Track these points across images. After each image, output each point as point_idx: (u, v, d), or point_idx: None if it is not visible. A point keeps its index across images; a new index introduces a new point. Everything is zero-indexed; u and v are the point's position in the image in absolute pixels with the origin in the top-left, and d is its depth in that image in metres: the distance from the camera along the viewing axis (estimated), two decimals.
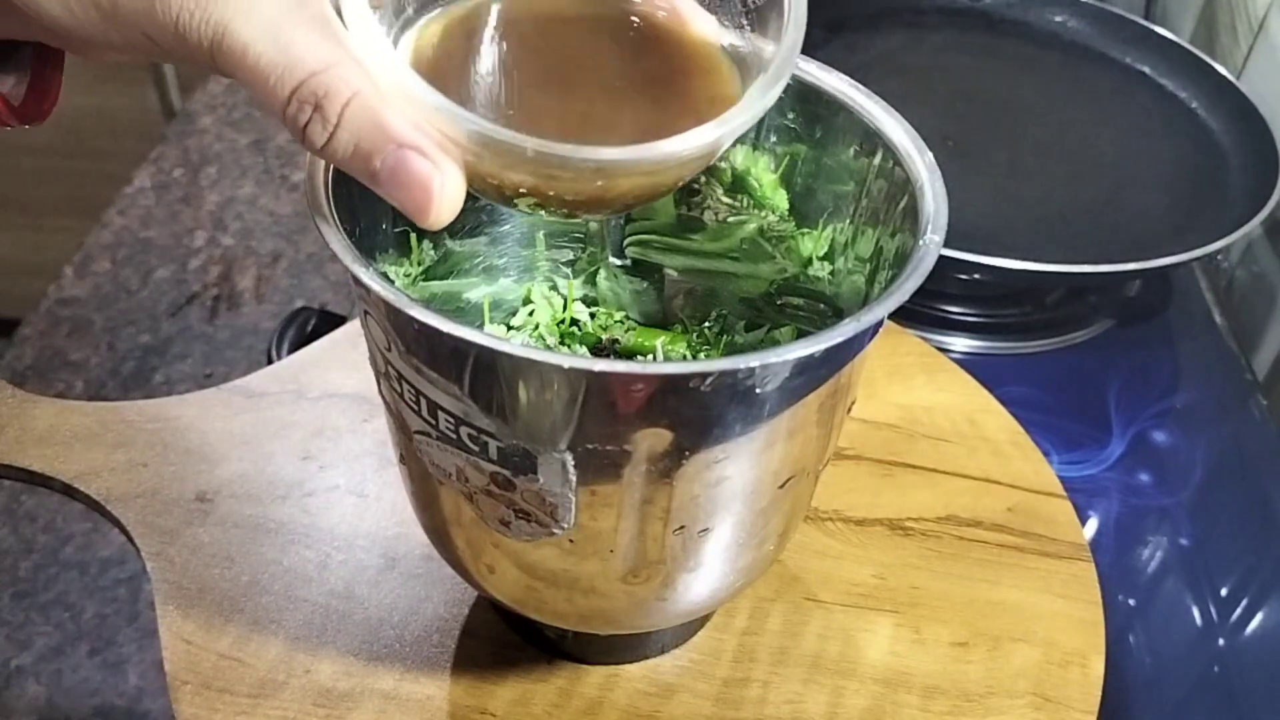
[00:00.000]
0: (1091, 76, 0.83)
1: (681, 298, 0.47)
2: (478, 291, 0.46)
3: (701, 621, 0.46)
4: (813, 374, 0.33)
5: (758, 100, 0.32)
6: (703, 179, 0.44)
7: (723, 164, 0.43)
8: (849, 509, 0.50)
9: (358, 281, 0.32)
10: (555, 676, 0.44)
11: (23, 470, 0.49)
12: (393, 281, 0.32)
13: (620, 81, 0.35)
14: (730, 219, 0.44)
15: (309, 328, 0.63)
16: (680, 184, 0.35)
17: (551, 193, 0.31)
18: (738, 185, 0.43)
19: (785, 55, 0.32)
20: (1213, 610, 0.57)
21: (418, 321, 0.30)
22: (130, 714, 0.59)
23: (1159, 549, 0.60)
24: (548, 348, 0.46)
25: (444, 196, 0.30)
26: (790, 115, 0.41)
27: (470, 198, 0.31)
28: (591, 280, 0.47)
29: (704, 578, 0.39)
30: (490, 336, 0.30)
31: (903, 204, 0.37)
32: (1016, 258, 0.62)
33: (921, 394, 0.56)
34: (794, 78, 0.40)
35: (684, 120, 0.31)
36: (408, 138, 0.30)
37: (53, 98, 0.35)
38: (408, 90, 0.30)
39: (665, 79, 0.35)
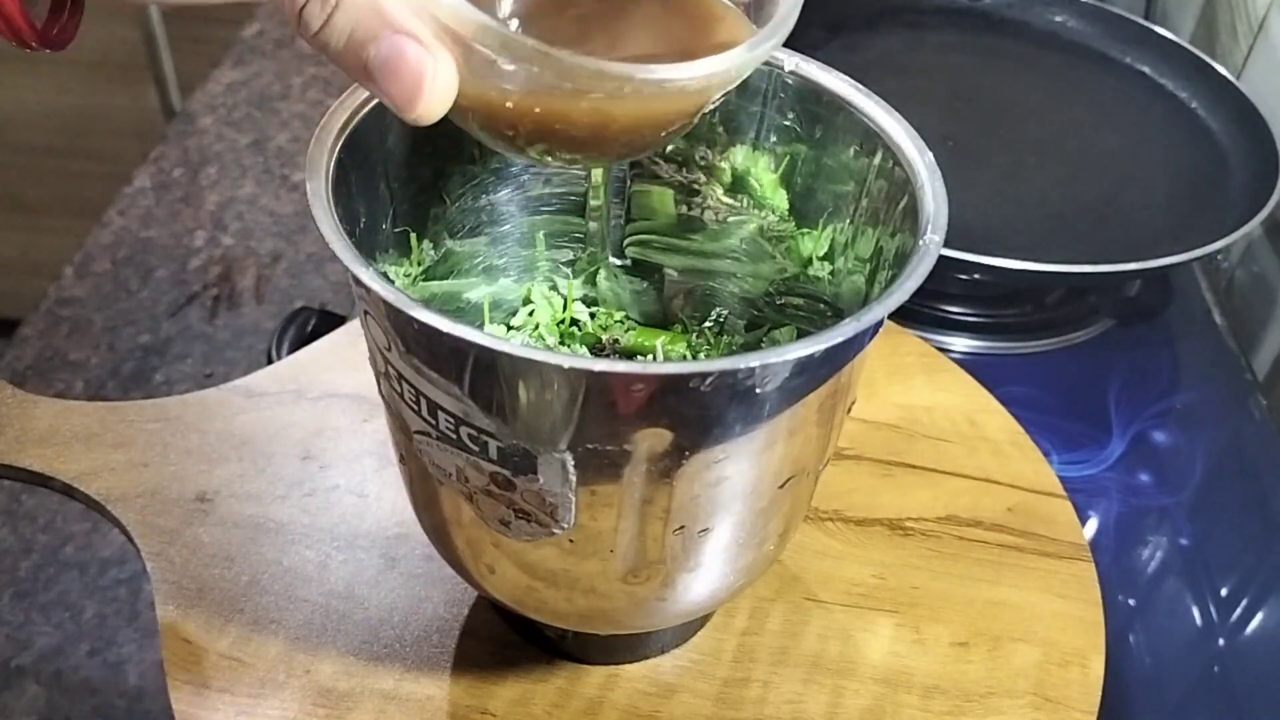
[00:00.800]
0: (1091, 76, 0.83)
1: (681, 298, 0.47)
2: (478, 291, 0.46)
3: (701, 621, 0.46)
4: (813, 374, 0.33)
5: (761, 44, 0.32)
6: (703, 179, 0.44)
7: (723, 164, 0.43)
8: (849, 509, 0.50)
9: (358, 281, 0.32)
10: (555, 676, 0.44)
11: (23, 470, 0.49)
12: (393, 281, 0.32)
13: (636, 20, 0.35)
14: (730, 219, 0.44)
15: (309, 328, 0.63)
16: (675, 131, 0.35)
17: (545, 114, 0.31)
18: (738, 185, 0.43)
19: (790, 5, 0.33)
20: (1213, 610, 0.57)
21: (418, 321, 0.30)
22: (130, 714, 0.59)
23: (1159, 549, 0.60)
24: (548, 348, 0.46)
25: (435, 87, 0.30)
26: (790, 115, 0.41)
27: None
28: (591, 280, 0.47)
29: (704, 578, 0.39)
30: (490, 336, 0.30)
31: (903, 204, 0.37)
32: (1016, 258, 0.62)
33: (921, 394, 0.56)
34: (794, 77, 0.40)
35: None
36: (405, 24, 0.30)
37: (74, 24, 0.35)
38: None
39: (683, 23, 0.36)
